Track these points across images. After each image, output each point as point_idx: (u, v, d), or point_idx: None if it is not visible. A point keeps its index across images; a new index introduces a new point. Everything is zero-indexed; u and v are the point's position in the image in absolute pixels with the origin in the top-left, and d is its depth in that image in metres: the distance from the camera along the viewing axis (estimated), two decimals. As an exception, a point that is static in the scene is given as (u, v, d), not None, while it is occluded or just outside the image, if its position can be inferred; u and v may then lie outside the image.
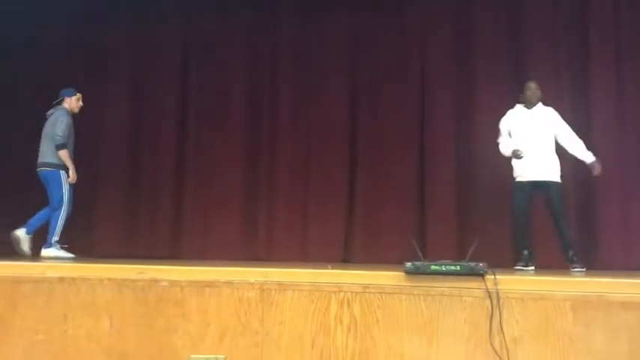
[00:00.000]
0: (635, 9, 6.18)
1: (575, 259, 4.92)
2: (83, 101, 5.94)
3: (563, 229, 5.03)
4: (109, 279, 3.96)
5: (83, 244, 6.28)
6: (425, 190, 6.45)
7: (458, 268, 3.53)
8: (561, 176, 5.13)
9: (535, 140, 5.06)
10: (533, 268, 4.97)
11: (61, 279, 4.00)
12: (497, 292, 3.43)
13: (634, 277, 3.83)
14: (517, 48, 6.41)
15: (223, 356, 3.73)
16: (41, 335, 3.96)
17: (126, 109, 7.20)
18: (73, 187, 5.73)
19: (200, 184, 6.96)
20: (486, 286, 3.46)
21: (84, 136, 6.20)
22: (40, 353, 3.94)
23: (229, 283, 3.81)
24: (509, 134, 5.21)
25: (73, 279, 3.99)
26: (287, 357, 3.67)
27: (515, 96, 5.38)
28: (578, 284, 3.51)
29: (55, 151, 5.63)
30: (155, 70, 7.27)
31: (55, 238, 5.58)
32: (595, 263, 5.65)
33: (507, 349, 3.39)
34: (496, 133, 5.30)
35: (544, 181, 5.04)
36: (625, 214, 5.97)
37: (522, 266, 4.97)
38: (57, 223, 5.59)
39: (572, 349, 3.36)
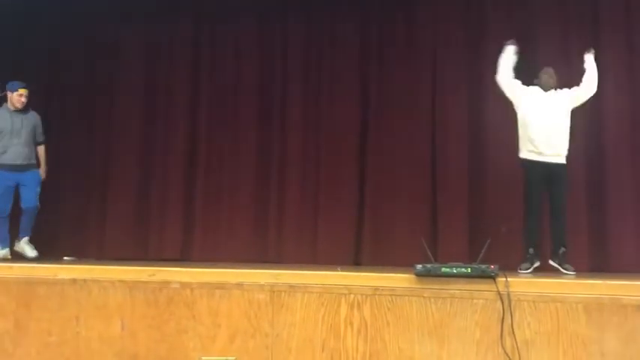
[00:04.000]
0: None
1: (565, 258, 4.58)
2: (29, 96, 5.64)
3: (560, 219, 4.68)
4: (121, 281, 3.98)
5: (94, 246, 6.29)
6: (436, 192, 6.40)
7: (469, 270, 3.52)
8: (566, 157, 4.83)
9: (550, 124, 4.76)
10: (532, 268, 4.54)
11: (73, 281, 4.04)
12: (509, 295, 3.42)
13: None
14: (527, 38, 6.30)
15: (234, 358, 3.73)
16: (54, 337, 3.99)
17: (137, 111, 7.21)
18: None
19: (211, 186, 6.96)
20: (497, 288, 3.44)
21: (95, 137, 6.16)
22: (52, 355, 3.97)
23: (239, 285, 3.82)
24: (520, 97, 4.92)
25: (85, 281, 4.02)
26: (297, 359, 3.67)
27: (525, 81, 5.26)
28: (592, 287, 3.48)
29: None
30: (167, 71, 7.27)
31: None
32: (607, 265, 5.59)
33: (519, 352, 3.36)
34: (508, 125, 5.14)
35: (553, 163, 4.74)
36: (638, 211, 5.85)
37: (526, 269, 4.50)
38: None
39: (585, 353, 3.33)
